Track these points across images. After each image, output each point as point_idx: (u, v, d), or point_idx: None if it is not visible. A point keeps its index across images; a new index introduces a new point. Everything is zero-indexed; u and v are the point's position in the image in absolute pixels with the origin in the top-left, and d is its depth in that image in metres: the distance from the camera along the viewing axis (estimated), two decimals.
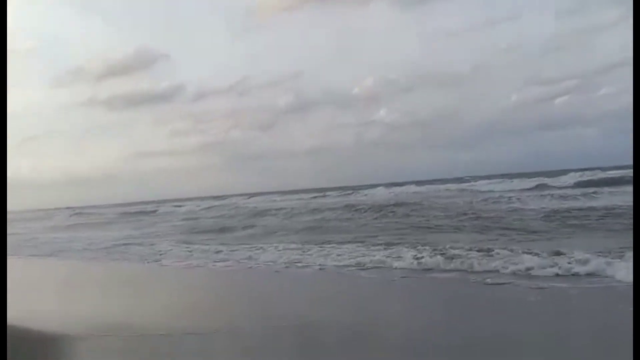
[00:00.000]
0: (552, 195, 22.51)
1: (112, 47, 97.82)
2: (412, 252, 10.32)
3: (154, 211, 38.13)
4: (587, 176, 28.24)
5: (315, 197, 38.91)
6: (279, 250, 12.54)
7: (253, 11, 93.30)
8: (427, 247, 10.78)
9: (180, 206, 39.89)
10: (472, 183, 32.31)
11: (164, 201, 57.61)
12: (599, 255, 8.43)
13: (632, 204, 15.58)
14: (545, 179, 29.55)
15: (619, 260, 8.02)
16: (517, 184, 29.14)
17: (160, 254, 13.97)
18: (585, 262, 8.09)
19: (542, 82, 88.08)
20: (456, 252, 9.89)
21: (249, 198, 47.58)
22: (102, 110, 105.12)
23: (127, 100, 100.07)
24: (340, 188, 50.43)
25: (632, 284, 6.51)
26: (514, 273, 8.14)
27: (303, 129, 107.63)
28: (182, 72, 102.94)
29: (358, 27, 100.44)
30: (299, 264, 10.73)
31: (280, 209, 26.54)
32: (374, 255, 10.61)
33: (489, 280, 7.83)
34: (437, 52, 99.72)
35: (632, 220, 13.24)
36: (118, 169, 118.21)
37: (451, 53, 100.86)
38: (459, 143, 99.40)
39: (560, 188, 25.35)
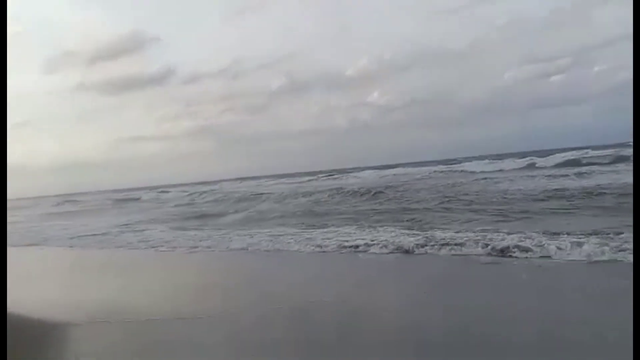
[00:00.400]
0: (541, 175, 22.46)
1: (102, 30, 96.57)
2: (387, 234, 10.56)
3: (138, 198, 37.95)
4: (574, 155, 28.07)
5: (309, 180, 38.72)
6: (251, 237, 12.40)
7: None
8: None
9: (166, 192, 39.71)
10: (463, 164, 32.21)
11: (155, 187, 57.30)
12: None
13: (616, 183, 15.93)
14: (536, 158, 29.53)
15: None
16: (507, 164, 29.06)
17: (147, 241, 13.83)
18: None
19: (537, 59, 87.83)
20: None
21: (240, 182, 47.40)
22: (93, 94, 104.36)
23: (118, 84, 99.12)
24: (335, 170, 50.40)
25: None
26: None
27: (296, 112, 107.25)
28: (174, 55, 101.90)
29: (352, 6, 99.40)
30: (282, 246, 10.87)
31: (270, 193, 26.42)
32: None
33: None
34: (432, 30, 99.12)
35: (614, 202, 13.44)
36: (109, 154, 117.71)
37: (447, 31, 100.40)
38: (454, 123, 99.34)
39: (548, 168, 25.26)
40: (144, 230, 16.47)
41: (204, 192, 34.89)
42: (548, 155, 30.57)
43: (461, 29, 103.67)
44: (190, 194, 35.01)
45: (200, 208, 25.28)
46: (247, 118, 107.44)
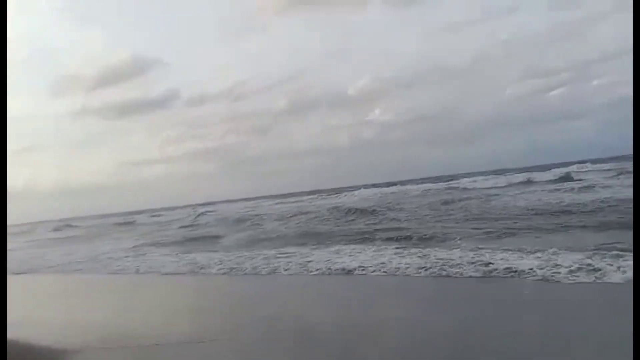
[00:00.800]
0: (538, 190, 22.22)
1: (104, 54, 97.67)
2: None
3: (133, 222, 37.97)
4: (572, 170, 27.78)
5: (309, 199, 38.58)
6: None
7: (247, 15, 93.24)
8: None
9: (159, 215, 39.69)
10: (460, 180, 32.01)
11: (157, 210, 57.30)
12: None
13: (614, 198, 15.74)
14: (534, 173, 29.33)
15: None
16: (506, 179, 28.82)
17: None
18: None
19: (538, 74, 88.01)
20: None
21: (240, 203, 47.28)
22: (95, 118, 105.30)
23: (120, 108, 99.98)
24: (335, 189, 50.40)
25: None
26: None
27: (299, 132, 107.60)
28: (176, 77, 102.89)
29: (354, 26, 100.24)
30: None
31: (262, 214, 26.30)
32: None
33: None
34: (434, 47, 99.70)
35: (603, 218, 13.20)
36: (112, 178, 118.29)
37: (448, 47, 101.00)
38: (455, 140, 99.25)
39: (545, 183, 25.00)
40: (142, 254, 16.52)
41: (200, 214, 34.87)
42: (547, 169, 30.36)
43: (463, 45, 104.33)
44: (184, 217, 34.95)
45: (195, 231, 25.14)
46: (250, 139, 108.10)
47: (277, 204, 37.50)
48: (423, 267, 9.04)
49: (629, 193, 17.19)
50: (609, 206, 14.95)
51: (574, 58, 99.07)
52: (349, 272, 9.70)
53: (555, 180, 24.89)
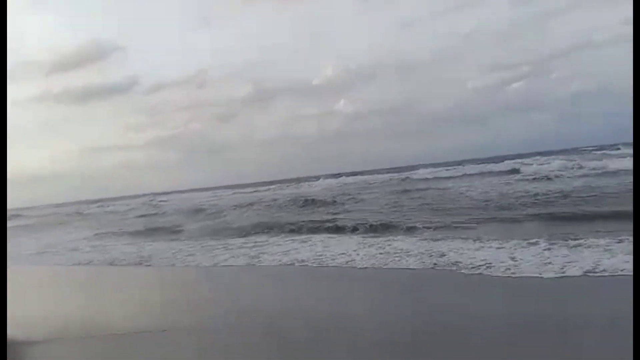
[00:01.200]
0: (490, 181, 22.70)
1: (62, 39, 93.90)
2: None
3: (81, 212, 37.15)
4: (528, 162, 28.49)
5: (267, 189, 38.38)
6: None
7: (211, 2, 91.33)
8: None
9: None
10: (417, 171, 32.43)
11: (118, 198, 55.97)
12: None
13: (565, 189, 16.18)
14: (489, 165, 29.99)
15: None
16: (461, 170, 29.39)
17: None
18: None
19: (498, 68, 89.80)
20: None
21: (200, 193, 46.63)
22: (54, 105, 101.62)
23: (80, 94, 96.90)
24: (296, 179, 50.32)
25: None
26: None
27: (263, 121, 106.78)
28: (138, 64, 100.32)
29: (318, 17, 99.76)
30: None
31: (214, 205, 26.11)
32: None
33: None
34: (399, 40, 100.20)
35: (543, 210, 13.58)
36: (71, 165, 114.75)
37: (412, 40, 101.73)
38: (418, 131, 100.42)
39: (500, 174, 25.60)
40: (96, 245, 16.30)
41: (156, 204, 34.31)
42: (502, 161, 31.07)
43: (426, 38, 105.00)
44: (140, 206, 34.29)
45: (151, 221, 24.65)
46: (213, 127, 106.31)
47: (235, 193, 37.20)
48: (374, 256, 9.37)
49: (578, 184, 17.77)
50: (563, 197, 15.30)
51: (534, 52, 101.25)
52: (302, 262, 9.82)
53: (508, 171, 25.49)
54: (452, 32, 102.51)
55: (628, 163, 20.35)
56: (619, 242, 8.14)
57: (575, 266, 7.08)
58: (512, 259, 7.93)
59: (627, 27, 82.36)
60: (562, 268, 7.08)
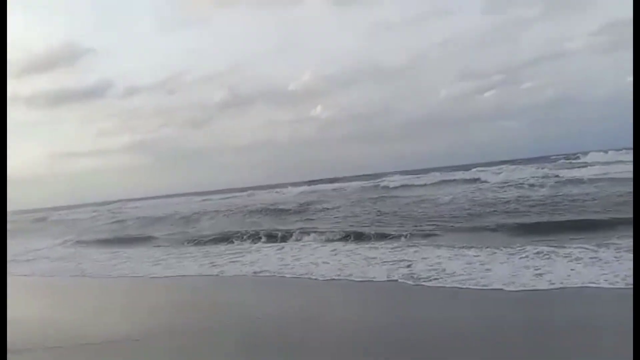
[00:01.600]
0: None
1: (33, 40, 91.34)
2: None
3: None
4: (496, 169, 28.66)
5: (227, 197, 37.93)
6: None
7: (185, 6, 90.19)
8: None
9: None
10: (384, 178, 32.36)
11: (89, 205, 54.67)
12: None
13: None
14: (457, 173, 30.12)
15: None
16: (431, 177, 29.38)
17: None
18: None
19: (471, 76, 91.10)
20: None
21: (171, 199, 45.81)
22: (23, 108, 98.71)
23: (51, 97, 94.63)
24: (267, 186, 49.94)
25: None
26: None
27: (237, 126, 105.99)
28: (111, 67, 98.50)
29: (294, 22, 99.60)
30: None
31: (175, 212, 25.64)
32: None
33: None
34: (374, 47, 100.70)
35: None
36: (40, 171, 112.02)
37: (387, 47, 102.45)
38: (392, 137, 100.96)
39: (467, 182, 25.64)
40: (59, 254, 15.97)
41: (119, 212, 33.67)
42: (469, 169, 31.20)
43: (400, 46, 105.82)
44: (101, 215, 33.49)
45: (115, 230, 24.00)
46: (186, 132, 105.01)
47: (204, 200, 36.68)
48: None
49: (545, 192, 17.77)
50: (530, 205, 15.24)
51: (505, 61, 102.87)
52: (260, 272, 9.66)
53: (475, 179, 25.53)
54: (427, 39, 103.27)
55: (588, 172, 20.74)
56: (582, 251, 8.12)
57: (542, 278, 6.96)
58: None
59: (596, 38, 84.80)
60: (526, 279, 6.95)
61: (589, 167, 23.47)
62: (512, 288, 6.68)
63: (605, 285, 6.36)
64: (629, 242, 7.99)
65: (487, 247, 9.27)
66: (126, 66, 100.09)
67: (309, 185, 40.05)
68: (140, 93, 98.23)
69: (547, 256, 8.18)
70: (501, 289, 6.69)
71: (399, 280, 7.83)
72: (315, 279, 8.64)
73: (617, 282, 6.38)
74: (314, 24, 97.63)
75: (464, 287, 7.03)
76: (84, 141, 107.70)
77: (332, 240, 12.60)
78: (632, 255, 7.13)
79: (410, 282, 7.64)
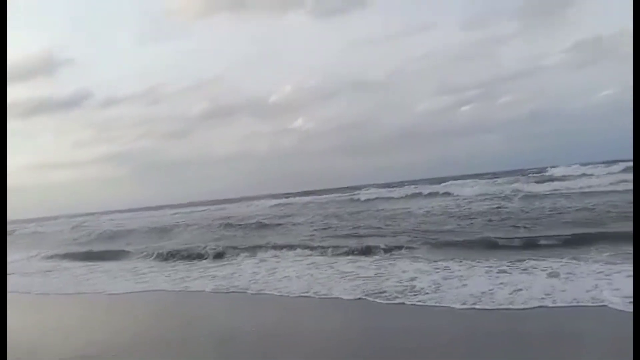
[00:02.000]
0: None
1: (12, 49, 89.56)
2: None
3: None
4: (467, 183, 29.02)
5: (204, 210, 37.64)
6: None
7: (166, 17, 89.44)
8: None
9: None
10: (359, 191, 32.49)
11: (50, 218, 53.53)
12: None
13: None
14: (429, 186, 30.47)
15: None
16: (404, 190, 29.61)
17: None
18: None
19: (449, 91, 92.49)
20: None
21: (146, 212, 45.19)
22: None
23: (26, 107, 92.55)
24: (245, 198, 49.67)
25: None
26: None
27: (217, 138, 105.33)
28: (89, 78, 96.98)
29: (275, 34, 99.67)
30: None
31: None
32: None
33: None
34: (354, 61, 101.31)
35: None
36: (14, 183, 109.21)
37: (367, 61, 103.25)
38: (371, 151, 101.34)
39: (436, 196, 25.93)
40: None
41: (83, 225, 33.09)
42: (440, 183, 31.59)
43: (380, 60, 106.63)
44: (70, 228, 32.77)
45: (82, 244, 23.45)
46: (166, 144, 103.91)
47: (176, 214, 36.17)
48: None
49: (516, 206, 17.97)
50: (501, 220, 15.34)
51: (483, 76, 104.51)
52: (230, 287, 9.53)
53: (445, 193, 25.80)
54: (406, 54, 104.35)
55: (549, 186, 21.17)
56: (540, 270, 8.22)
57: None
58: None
59: (569, 54, 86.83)
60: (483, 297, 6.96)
61: (548, 182, 24.08)
62: (463, 306, 6.72)
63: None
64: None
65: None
66: (106, 77, 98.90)
67: (286, 197, 39.92)
68: (120, 104, 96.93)
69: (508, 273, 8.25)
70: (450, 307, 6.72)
71: (362, 298, 7.77)
72: (280, 295, 8.54)
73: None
74: (296, 37, 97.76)
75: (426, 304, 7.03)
76: (60, 152, 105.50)
77: (301, 255, 12.51)
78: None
79: (372, 299, 7.60)
